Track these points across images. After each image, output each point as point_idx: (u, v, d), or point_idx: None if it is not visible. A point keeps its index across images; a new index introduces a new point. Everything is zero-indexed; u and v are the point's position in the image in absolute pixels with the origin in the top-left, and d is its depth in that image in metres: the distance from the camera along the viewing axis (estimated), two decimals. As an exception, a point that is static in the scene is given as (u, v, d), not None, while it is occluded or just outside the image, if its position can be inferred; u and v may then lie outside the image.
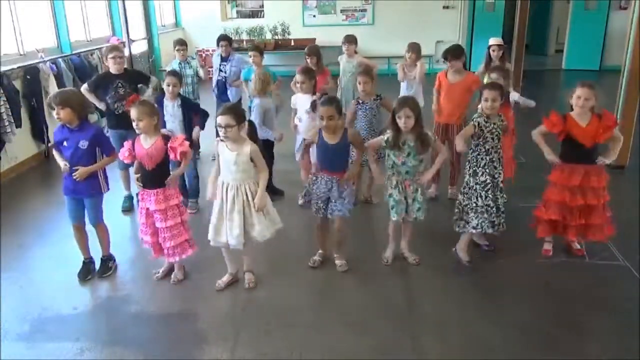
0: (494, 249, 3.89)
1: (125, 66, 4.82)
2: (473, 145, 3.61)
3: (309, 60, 5.25)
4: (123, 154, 3.44)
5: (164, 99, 4.48)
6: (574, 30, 11.76)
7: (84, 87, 4.66)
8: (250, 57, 5.52)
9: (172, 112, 4.48)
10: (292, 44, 11.45)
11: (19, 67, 5.98)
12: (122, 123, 4.35)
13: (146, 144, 3.40)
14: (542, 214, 3.68)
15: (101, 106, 4.71)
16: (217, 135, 3.40)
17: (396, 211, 3.59)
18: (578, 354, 2.87)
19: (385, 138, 3.53)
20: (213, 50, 8.02)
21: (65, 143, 3.49)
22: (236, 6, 12.18)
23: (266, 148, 4.19)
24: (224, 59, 6.11)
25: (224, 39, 6.15)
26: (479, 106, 3.63)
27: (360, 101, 4.44)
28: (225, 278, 3.56)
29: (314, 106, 4.32)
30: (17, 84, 5.91)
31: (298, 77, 4.56)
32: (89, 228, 3.73)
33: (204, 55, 11.07)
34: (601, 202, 3.55)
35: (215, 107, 5.53)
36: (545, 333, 3.02)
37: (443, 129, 4.73)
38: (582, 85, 3.44)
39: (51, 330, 3.17)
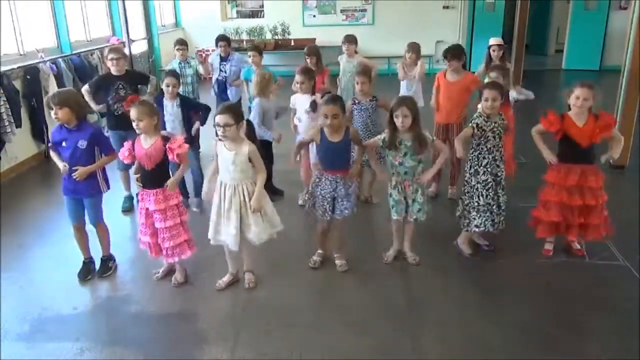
0: (494, 249, 3.90)
1: (127, 67, 4.82)
2: (474, 144, 3.62)
3: (308, 61, 5.25)
4: (123, 154, 3.43)
5: (164, 99, 4.48)
6: (574, 30, 11.75)
7: (84, 88, 4.66)
8: (250, 57, 5.54)
9: (171, 111, 4.48)
10: (292, 44, 11.44)
11: (19, 67, 5.98)
12: (122, 124, 4.36)
13: (146, 144, 3.39)
14: (542, 214, 3.68)
15: (97, 109, 4.71)
16: (216, 135, 3.40)
17: (396, 211, 3.61)
18: (578, 354, 2.87)
19: (382, 137, 3.54)
20: (213, 50, 8.02)
21: (64, 143, 3.49)
22: (236, 6, 12.18)
23: (265, 148, 4.19)
24: (223, 59, 6.13)
25: (222, 39, 6.17)
26: (479, 106, 3.64)
27: (357, 101, 4.44)
28: (226, 278, 3.56)
29: (313, 106, 4.32)
30: (17, 84, 5.91)
31: (297, 77, 4.55)
32: (89, 228, 3.74)
33: (204, 55, 11.04)
34: (599, 202, 3.56)
35: (215, 106, 5.51)
36: (545, 333, 3.02)
37: (443, 128, 4.74)
38: (581, 86, 3.43)
39: (51, 330, 3.17)
